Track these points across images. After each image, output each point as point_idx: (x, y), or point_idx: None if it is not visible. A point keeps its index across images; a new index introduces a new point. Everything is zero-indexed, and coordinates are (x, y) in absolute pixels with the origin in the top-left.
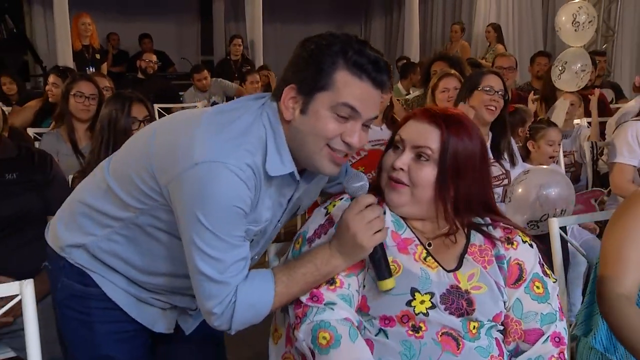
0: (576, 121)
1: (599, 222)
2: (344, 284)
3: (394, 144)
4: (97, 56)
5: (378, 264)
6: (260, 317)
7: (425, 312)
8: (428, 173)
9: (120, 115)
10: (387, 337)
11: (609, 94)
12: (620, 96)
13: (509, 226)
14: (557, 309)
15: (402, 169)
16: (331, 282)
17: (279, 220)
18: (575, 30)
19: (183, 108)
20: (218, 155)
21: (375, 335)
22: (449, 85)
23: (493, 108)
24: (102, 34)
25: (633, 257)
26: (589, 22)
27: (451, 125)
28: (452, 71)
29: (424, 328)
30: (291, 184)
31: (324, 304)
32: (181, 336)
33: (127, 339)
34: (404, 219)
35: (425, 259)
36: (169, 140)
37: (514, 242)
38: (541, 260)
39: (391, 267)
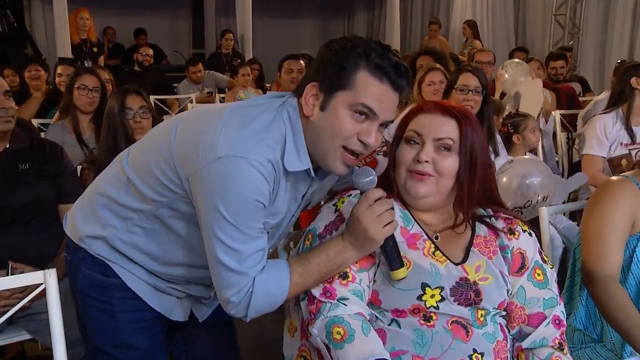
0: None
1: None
2: (356, 279)
3: (407, 139)
4: (95, 49)
5: (389, 255)
6: (275, 305)
7: (435, 305)
8: (452, 162)
9: (117, 108)
10: (400, 327)
11: (577, 88)
12: (586, 89)
13: (509, 216)
14: (557, 294)
15: (427, 161)
16: (344, 276)
17: (293, 215)
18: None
19: (177, 99)
20: (240, 150)
21: (388, 325)
22: (435, 78)
23: (470, 107)
24: (98, 27)
25: (612, 240)
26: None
27: (465, 117)
28: (438, 65)
29: (434, 318)
30: (306, 179)
31: (337, 300)
32: (195, 323)
33: (146, 327)
34: (411, 213)
35: (434, 253)
36: (191, 135)
37: (516, 232)
38: (539, 247)
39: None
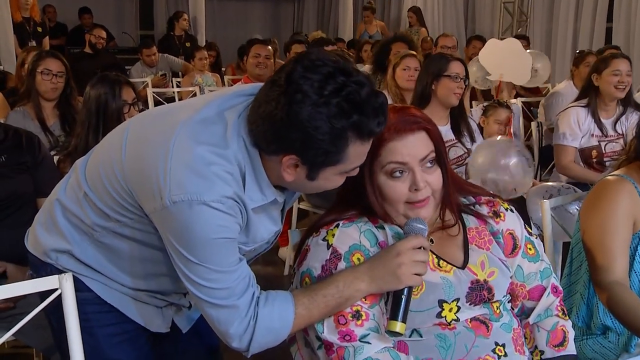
0: (512, 101)
1: None
2: (370, 315)
3: (389, 173)
4: (39, 29)
5: (399, 304)
6: (279, 340)
7: (455, 317)
8: (439, 174)
9: (111, 99)
10: (421, 336)
11: None
12: None
13: (489, 198)
14: (549, 262)
15: (424, 187)
16: (357, 316)
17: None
18: None
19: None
20: (195, 193)
21: (409, 337)
22: (411, 64)
23: (460, 93)
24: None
25: (616, 246)
26: None
27: (429, 122)
28: (414, 52)
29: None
30: (276, 203)
31: (359, 340)
32: (178, 336)
33: (129, 339)
34: (401, 228)
35: (438, 264)
36: (141, 167)
37: (501, 214)
38: (522, 220)
39: (413, 285)
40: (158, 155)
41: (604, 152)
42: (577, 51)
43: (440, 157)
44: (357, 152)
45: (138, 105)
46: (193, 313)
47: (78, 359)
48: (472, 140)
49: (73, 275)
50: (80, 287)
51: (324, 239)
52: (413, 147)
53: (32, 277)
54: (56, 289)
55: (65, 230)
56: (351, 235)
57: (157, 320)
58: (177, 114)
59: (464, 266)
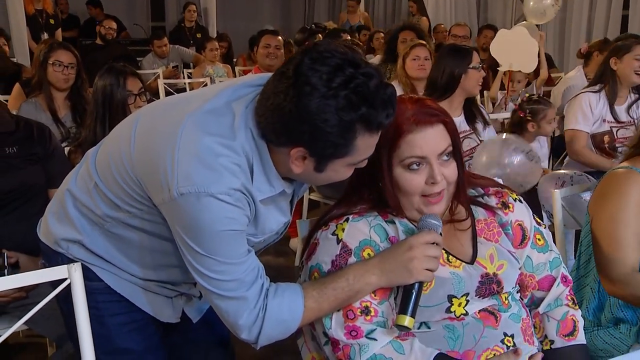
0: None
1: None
2: (378, 312)
3: (407, 166)
4: (52, 21)
5: (409, 298)
6: (288, 333)
7: (464, 311)
8: (454, 166)
9: (116, 89)
10: (429, 327)
11: None
12: (551, 65)
13: (498, 189)
14: (558, 252)
15: (440, 180)
16: (366, 312)
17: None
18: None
19: (142, 75)
20: (202, 185)
21: (418, 329)
22: (421, 54)
23: (481, 83)
24: None
25: (626, 239)
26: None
27: (446, 114)
28: (423, 42)
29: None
30: (284, 194)
31: (365, 336)
32: (188, 326)
33: (139, 328)
34: (412, 222)
35: (448, 259)
36: (150, 158)
37: (509, 205)
38: (530, 210)
39: (424, 280)
40: (166, 146)
41: (615, 137)
42: (604, 37)
43: (456, 150)
44: (365, 144)
45: (145, 96)
46: (203, 303)
47: (87, 347)
48: (485, 122)
49: (84, 265)
50: (90, 276)
51: (333, 233)
52: (433, 140)
53: (44, 266)
54: (65, 279)
55: (76, 220)
56: (361, 230)
57: (168, 310)
58: (186, 105)
59: (472, 260)
